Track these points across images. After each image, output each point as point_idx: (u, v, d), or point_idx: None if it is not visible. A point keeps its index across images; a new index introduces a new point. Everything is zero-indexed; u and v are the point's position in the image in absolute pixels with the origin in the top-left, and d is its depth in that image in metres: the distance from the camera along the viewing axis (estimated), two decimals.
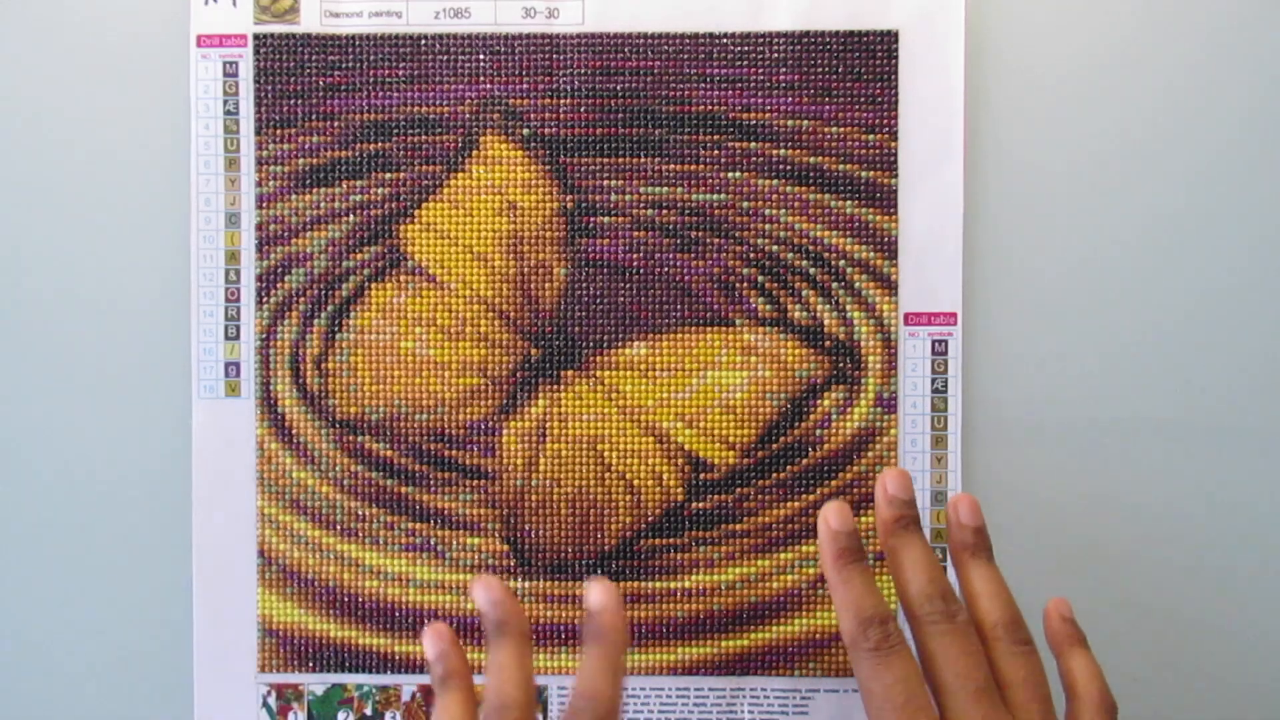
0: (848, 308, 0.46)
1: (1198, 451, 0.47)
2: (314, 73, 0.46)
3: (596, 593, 0.36)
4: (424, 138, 0.46)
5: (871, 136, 0.46)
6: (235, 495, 0.47)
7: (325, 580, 0.47)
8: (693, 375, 0.47)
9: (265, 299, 0.47)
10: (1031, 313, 0.47)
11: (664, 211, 0.46)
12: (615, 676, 0.35)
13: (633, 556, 0.47)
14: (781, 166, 0.46)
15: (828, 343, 0.46)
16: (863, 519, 0.46)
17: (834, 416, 0.46)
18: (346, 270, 0.47)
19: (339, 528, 0.47)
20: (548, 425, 0.47)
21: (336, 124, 0.47)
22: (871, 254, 0.46)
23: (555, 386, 0.47)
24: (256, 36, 0.46)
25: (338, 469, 0.47)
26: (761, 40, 0.46)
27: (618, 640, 0.35)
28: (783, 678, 0.47)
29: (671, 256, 0.47)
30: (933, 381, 0.46)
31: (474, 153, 0.47)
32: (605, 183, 0.46)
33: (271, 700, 0.47)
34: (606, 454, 0.47)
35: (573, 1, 0.46)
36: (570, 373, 0.47)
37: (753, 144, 0.46)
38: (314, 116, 0.47)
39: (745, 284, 0.46)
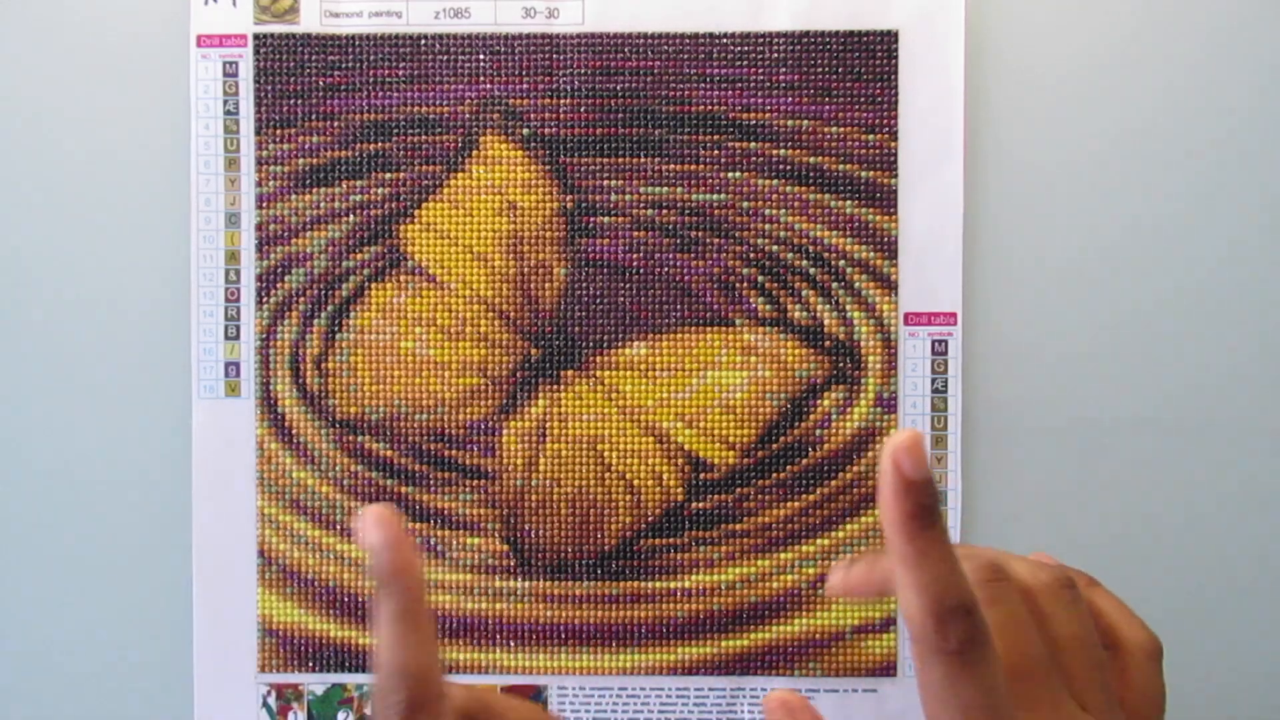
0: (848, 308, 0.46)
1: (1198, 451, 0.47)
2: (314, 73, 0.46)
3: (372, 527, 0.26)
4: (424, 138, 0.46)
5: (871, 136, 0.46)
6: (235, 495, 0.47)
7: (325, 580, 0.47)
8: (693, 375, 0.47)
9: (265, 299, 0.47)
10: (1031, 313, 0.47)
11: (664, 211, 0.46)
12: (421, 635, 0.26)
13: (633, 556, 0.47)
14: (781, 166, 0.46)
15: (828, 343, 0.46)
16: (865, 518, 0.47)
17: (834, 416, 0.46)
18: (346, 270, 0.47)
19: (339, 528, 0.47)
20: (548, 425, 0.47)
21: (336, 124, 0.47)
22: (871, 254, 0.46)
23: (555, 386, 0.47)
24: (256, 36, 0.46)
25: (338, 469, 0.47)
26: (761, 40, 0.46)
27: (409, 585, 0.26)
28: (783, 678, 0.47)
29: (671, 256, 0.47)
30: (933, 381, 0.46)
31: (474, 153, 0.47)
32: (605, 183, 0.46)
33: (271, 700, 0.47)
34: (606, 454, 0.47)
35: (573, 1, 0.46)
36: (570, 373, 0.47)
37: (753, 144, 0.46)
38: (314, 116, 0.47)
39: (745, 284, 0.46)
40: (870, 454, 0.46)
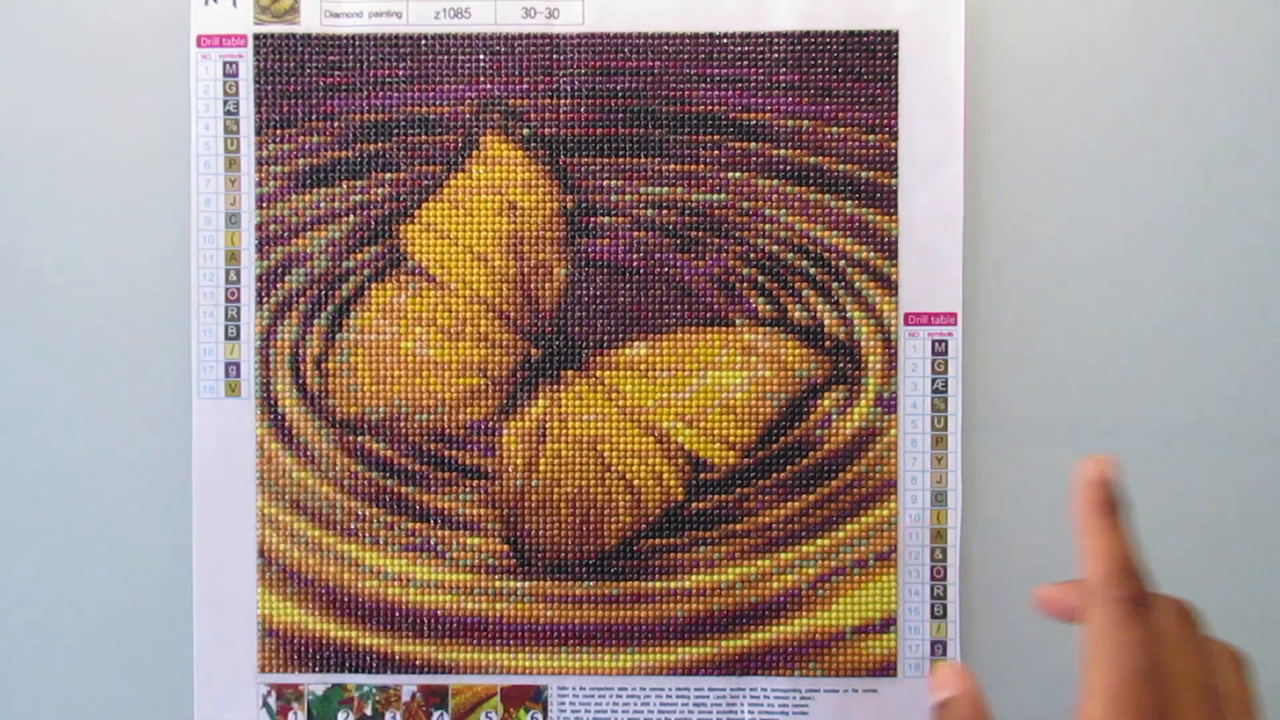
0: (848, 308, 0.46)
1: (1197, 452, 0.47)
2: (314, 73, 0.46)
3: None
4: (424, 138, 0.46)
5: (871, 136, 0.46)
6: (235, 495, 0.47)
7: (325, 580, 0.47)
8: (693, 375, 0.47)
9: (265, 299, 0.47)
10: (1031, 313, 0.47)
11: (664, 211, 0.46)
12: None
13: (633, 556, 0.47)
14: (781, 166, 0.46)
15: (828, 343, 0.46)
16: (865, 519, 0.47)
17: (834, 416, 0.46)
18: (346, 270, 0.47)
19: (339, 528, 0.47)
20: (548, 425, 0.47)
21: (336, 124, 0.47)
22: (871, 254, 0.46)
23: (555, 386, 0.47)
24: (256, 36, 0.46)
25: (338, 469, 0.47)
26: (761, 40, 0.46)
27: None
28: (783, 678, 0.47)
29: (671, 256, 0.47)
30: (933, 381, 0.46)
31: (474, 153, 0.47)
32: (605, 183, 0.46)
33: (271, 700, 0.47)
34: (606, 454, 0.47)
35: (573, 1, 0.46)
36: (570, 373, 0.47)
37: (753, 144, 0.46)
38: (314, 116, 0.47)
39: (745, 284, 0.46)
40: (870, 454, 0.46)
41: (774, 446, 0.46)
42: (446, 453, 0.47)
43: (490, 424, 0.47)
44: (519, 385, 0.47)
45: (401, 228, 0.47)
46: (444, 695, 0.47)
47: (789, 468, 0.46)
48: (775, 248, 0.46)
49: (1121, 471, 0.32)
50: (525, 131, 0.46)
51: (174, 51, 0.47)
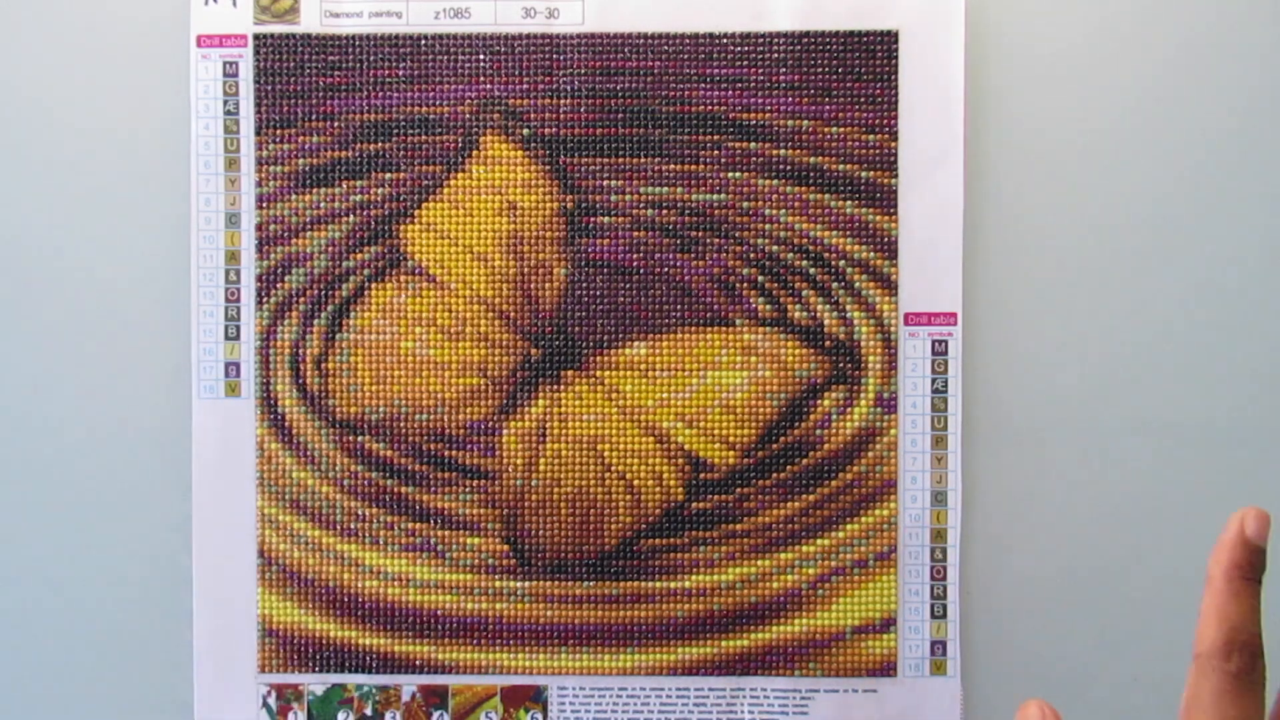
0: (848, 308, 0.46)
1: (1197, 452, 0.47)
2: (314, 73, 0.46)
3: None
4: (424, 138, 0.46)
5: (871, 136, 0.46)
6: (235, 495, 0.47)
7: (325, 580, 0.47)
8: (693, 375, 0.47)
9: (265, 299, 0.47)
10: (1031, 313, 0.47)
11: (664, 211, 0.46)
12: None
13: (633, 556, 0.47)
14: (781, 166, 0.46)
15: (828, 343, 0.46)
16: (865, 519, 0.47)
17: (834, 416, 0.46)
18: (346, 270, 0.47)
19: (339, 528, 0.47)
20: (548, 425, 0.47)
21: (336, 124, 0.47)
22: (871, 254, 0.46)
23: (555, 386, 0.47)
24: (256, 36, 0.46)
25: (338, 469, 0.47)
26: (761, 40, 0.46)
27: None
28: (783, 678, 0.47)
29: (671, 256, 0.47)
30: (933, 381, 0.46)
31: (474, 153, 0.47)
32: (605, 183, 0.46)
33: (271, 700, 0.47)
34: (606, 454, 0.47)
35: (573, 1, 0.46)
36: (570, 373, 0.47)
37: (753, 144, 0.46)
38: (314, 116, 0.47)
39: (745, 284, 0.47)
40: (870, 454, 0.46)
41: (774, 446, 0.46)
42: (446, 453, 0.47)
43: (490, 424, 0.47)
44: (519, 385, 0.47)
45: (401, 228, 0.47)
46: (444, 695, 0.47)
47: (789, 468, 0.46)
48: (775, 248, 0.46)
49: (1268, 534, 0.31)
50: (525, 131, 0.46)
51: (174, 51, 0.47)
